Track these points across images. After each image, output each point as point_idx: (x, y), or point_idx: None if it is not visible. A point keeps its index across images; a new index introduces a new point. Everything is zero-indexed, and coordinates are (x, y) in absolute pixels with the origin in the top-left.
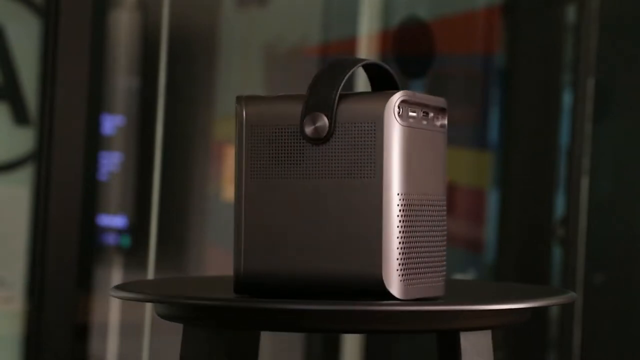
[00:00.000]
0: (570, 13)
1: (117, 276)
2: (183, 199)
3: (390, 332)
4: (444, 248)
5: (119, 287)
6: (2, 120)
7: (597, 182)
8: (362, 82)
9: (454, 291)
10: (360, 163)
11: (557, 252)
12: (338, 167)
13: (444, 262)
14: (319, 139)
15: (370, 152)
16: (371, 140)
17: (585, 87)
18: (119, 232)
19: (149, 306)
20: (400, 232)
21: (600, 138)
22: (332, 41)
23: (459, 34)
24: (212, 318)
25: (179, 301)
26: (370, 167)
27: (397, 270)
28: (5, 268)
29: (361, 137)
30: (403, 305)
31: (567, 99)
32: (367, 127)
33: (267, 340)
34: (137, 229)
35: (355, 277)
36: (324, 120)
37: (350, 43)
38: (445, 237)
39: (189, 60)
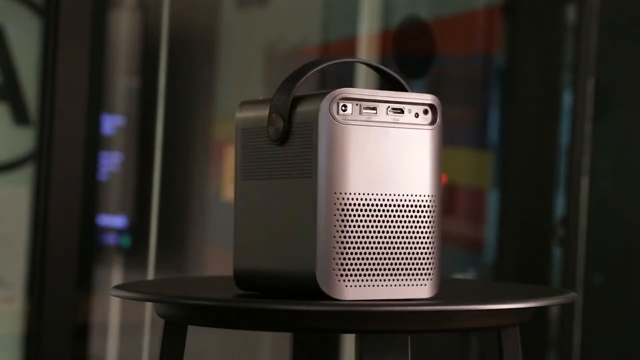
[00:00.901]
0: (570, 13)
1: (117, 276)
2: (183, 199)
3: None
4: (429, 248)
5: (119, 287)
6: (2, 120)
7: (597, 182)
8: (362, 81)
9: (454, 291)
10: (304, 163)
11: (557, 252)
12: (289, 167)
13: (429, 263)
14: (277, 140)
15: (311, 152)
16: (311, 140)
17: (585, 87)
18: (119, 232)
19: (149, 306)
20: (338, 231)
21: (600, 138)
22: (332, 41)
23: (459, 34)
24: (212, 318)
25: (178, 301)
26: (310, 167)
27: (335, 270)
28: (5, 268)
29: (306, 138)
30: (402, 306)
31: (567, 99)
32: (309, 127)
33: (268, 340)
34: (137, 229)
35: (296, 276)
36: (280, 122)
37: (350, 43)
38: (430, 237)
39: (189, 60)
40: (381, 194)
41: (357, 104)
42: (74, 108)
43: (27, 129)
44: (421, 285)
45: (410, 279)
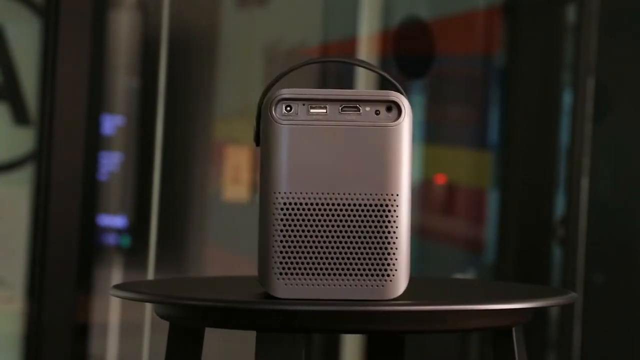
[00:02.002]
0: (570, 13)
1: (117, 276)
2: (183, 199)
3: (387, 332)
4: (387, 249)
5: (118, 287)
6: (2, 120)
7: (597, 182)
8: (362, 81)
9: (453, 291)
10: (259, 164)
11: (557, 252)
12: (258, 169)
13: (387, 263)
14: (255, 142)
15: (260, 153)
16: (262, 141)
17: (585, 87)
18: (119, 232)
19: (149, 306)
20: (277, 230)
21: (600, 138)
22: (332, 41)
23: (459, 34)
24: (211, 319)
25: (178, 302)
26: (259, 168)
27: (273, 268)
28: (5, 268)
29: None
30: (400, 306)
31: (567, 99)
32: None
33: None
34: (137, 229)
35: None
36: (254, 125)
37: (350, 43)
38: (388, 238)
39: (189, 60)
40: (326, 194)
41: (303, 104)
42: (74, 108)
43: (27, 129)
44: (377, 286)
45: (364, 280)
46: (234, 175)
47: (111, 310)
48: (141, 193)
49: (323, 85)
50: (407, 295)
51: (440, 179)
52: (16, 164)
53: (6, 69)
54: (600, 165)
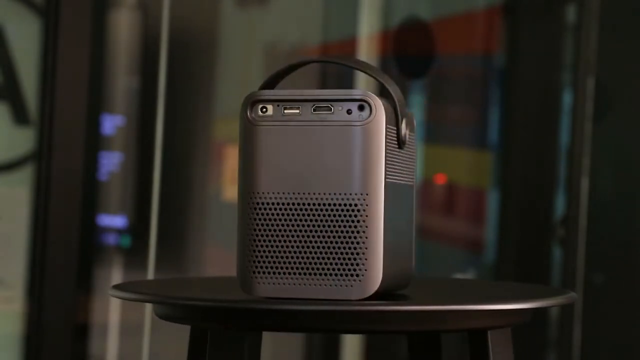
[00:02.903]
0: (570, 13)
1: (117, 276)
2: (183, 199)
3: (387, 332)
4: (356, 248)
5: (117, 287)
6: (2, 120)
7: (597, 182)
8: (362, 81)
9: (452, 291)
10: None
11: (557, 252)
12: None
13: (357, 263)
14: None
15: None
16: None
17: (585, 87)
18: (119, 232)
19: (148, 306)
20: (251, 230)
21: (600, 138)
22: (332, 41)
23: (459, 34)
24: (210, 319)
25: (176, 302)
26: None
27: (248, 267)
28: (5, 268)
29: None
30: (398, 305)
31: (567, 99)
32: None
33: (268, 340)
34: (137, 229)
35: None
36: None
37: (350, 43)
38: (358, 237)
39: (189, 60)
40: (298, 193)
41: (278, 105)
42: (74, 108)
43: (27, 129)
44: (346, 286)
45: (334, 280)
46: (234, 175)
47: (111, 310)
48: (141, 193)
49: (323, 85)
50: (394, 294)
51: (440, 179)
52: (16, 164)
53: (6, 69)
54: (600, 165)
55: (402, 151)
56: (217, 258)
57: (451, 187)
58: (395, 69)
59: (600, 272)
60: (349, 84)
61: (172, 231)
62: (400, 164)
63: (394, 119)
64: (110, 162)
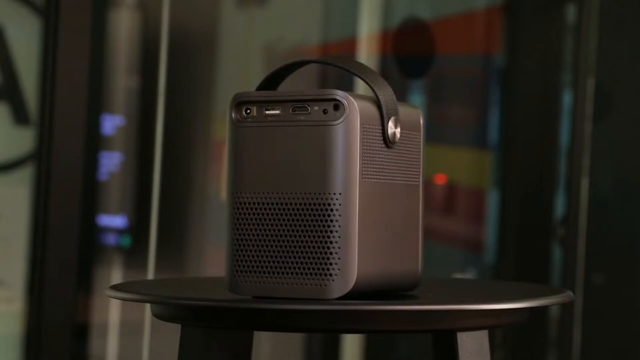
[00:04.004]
0: (570, 13)
1: (117, 276)
2: (183, 199)
3: (386, 332)
4: (329, 248)
5: (115, 287)
6: (2, 120)
7: (597, 182)
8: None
9: (452, 291)
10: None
11: (557, 252)
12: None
13: (330, 262)
14: None
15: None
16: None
17: (585, 87)
18: (119, 232)
19: (148, 306)
20: (235, 229)
21: (600, 138)
22: (332, 41)
23: (459, 34)
24: (207, 318)
25: (174, 302)
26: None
27: (233, 266)
28: (5, 268)
29: None
30: (397, 305)
31: (567, 99)
32: None
33: (268, 340)
34: (137, 229)
35: None
36: None
37: (350, 43)
38: (330, 236)
39: (189, 60)
40: (274, 193)
41: (260, 106)
42: (74, 108)
43: (27, 129)
44: (320, 285)
45: (310, 279)
46: None
47: (111, 310)
48: (141, 193)
49: (324, 85)
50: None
51: (440, 179)
52: (16, 164)
53: (6, 69)
54: (600, 165)
55: (393, 150)
56: (217, 258)
57: (451, 187)
58: (395, 69)
59: (600, 272)
60: (349, 83)
61: (172, 231)
62: (389, 163)
63: (379, 119)
64: (110, 162)
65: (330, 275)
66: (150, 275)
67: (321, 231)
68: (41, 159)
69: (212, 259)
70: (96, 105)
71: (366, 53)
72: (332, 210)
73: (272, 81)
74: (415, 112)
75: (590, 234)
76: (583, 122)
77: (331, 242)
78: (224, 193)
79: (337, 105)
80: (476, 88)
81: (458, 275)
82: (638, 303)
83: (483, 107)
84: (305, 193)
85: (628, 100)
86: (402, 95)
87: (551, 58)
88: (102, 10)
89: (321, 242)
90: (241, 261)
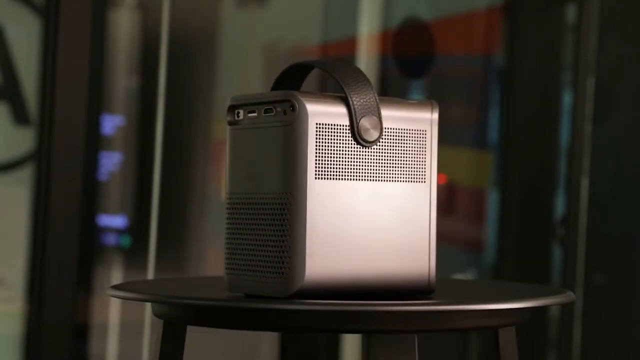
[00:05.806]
0: (570, 13)
1: (117, 276)
2: (183, 199)
3: (384, 331)
4: (277, 246)
5: (115, 287)
6: (2, 120)
7: (597, 182)
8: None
9: (451, 291)
10: None
11: (557, 252)
12: None
13: (279, 260)
14: None
15: None
16: None
17: (585, 87)
18: (119, 232)
19: (148, 306)
20: (226, 229)
21: (600, 138)
22: (332, 41)
23: (459, 34)
24: (207, 318)
25: (174, 301)
26: None
27: (225, 264)
28: (5, 268)
29: None
30: (396, 306)
31: (567, 99)
32: None
33: (267, 340)
34: (137, 229)
35: None
36: None
37: (350, 43)
38: (279, 235)
39: (189, 60)
40: (247, 194)
41: (245, 109)
42: (74, 108)
43: (27, 129)
44: (275, 283)
45: (269, 276)
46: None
47: (111, 310)
48: (141, 193)
49: (324, 86)
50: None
51: (440, 179)
52: (16, 164)
53: (6, 69)
54: (600, 165)
55: (374, 149)
56: (217, 258)
57: (451, 187)
58: (396, 69)
59: (600, 272)
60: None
61: (172, 231)
62: (365, 162)
63: (348, 118)
64: (110, 162)
65: (283, 273)
66: (150, 275)
67: (276, 230)
68: (41, 159)
69: (212, 259)
70: (96, 105)
71: (366, 53)
72: (283, 209)
73: (277, 86)
74: (425, 108)
75: (590, 234)
76: (583, 122)
77: (283, 241)
78: (223, 193)
79: (293, 106)
80: (476, 88)
81: (458, 276)
82: (638, 303)
83: (483, 107)
84: (263, 193)
85: (628, 100)
86: (402, 96)
87: (551, 58)
88: (102, 10)
89: (276, 241)
90: (229, 260)
